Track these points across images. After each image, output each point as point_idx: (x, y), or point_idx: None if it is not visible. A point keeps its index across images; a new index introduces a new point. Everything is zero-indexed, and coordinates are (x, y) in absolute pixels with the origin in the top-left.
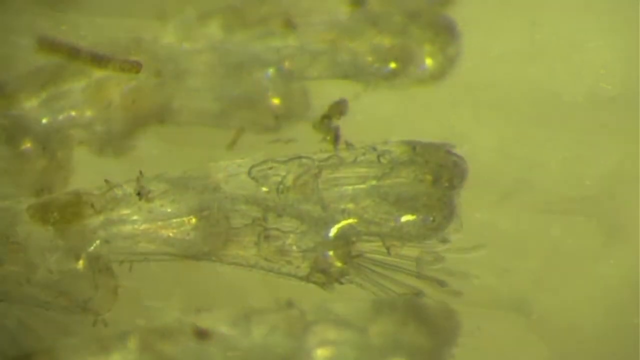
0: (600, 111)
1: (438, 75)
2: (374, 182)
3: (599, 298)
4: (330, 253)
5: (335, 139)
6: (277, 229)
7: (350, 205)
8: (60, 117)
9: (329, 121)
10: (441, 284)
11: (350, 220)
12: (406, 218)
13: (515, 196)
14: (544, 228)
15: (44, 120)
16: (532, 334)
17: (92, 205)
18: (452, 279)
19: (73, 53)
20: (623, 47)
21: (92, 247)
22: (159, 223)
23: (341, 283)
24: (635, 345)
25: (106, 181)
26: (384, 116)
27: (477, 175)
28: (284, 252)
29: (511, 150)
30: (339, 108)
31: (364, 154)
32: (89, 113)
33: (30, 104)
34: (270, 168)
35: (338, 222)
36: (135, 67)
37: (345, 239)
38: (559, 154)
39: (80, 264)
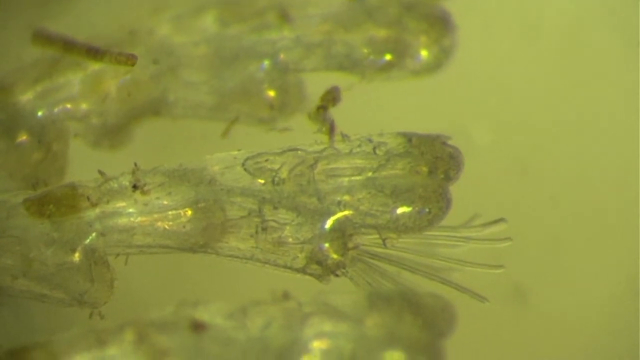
0: (600, 107)
1: (434, 67)
2: (369, 174)
3: (599, 297)
4: (326, 245)
5: (331, 130)
6: (274, 221)
7: (346, 197)
8: (56, 109)
9: (324, 111)
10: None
11: (346, 212)
12: (402, 210)
13: (512, 190)
14: (542, 225)
15: (40, 113)
16: (531, 333)
17: (88, 198)
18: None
19: (68, 46)
20: (623, 43)
21: (88, 240)
22: (155, 215)
23: (337, 275)
24: (636, 345)
25: (100, 173)
26: (380, 108)
27: (473, 167)
28: (281, 243)
29: (507, 142)
30: (332, 95)
31: (359, 146)
32: (84, 106)
33: (25, 97)
34: (266, 160)
35: (334, 214)
36: (130, 60)
37: (341, 231)
38: (557, 147)
39: (76, 256)
